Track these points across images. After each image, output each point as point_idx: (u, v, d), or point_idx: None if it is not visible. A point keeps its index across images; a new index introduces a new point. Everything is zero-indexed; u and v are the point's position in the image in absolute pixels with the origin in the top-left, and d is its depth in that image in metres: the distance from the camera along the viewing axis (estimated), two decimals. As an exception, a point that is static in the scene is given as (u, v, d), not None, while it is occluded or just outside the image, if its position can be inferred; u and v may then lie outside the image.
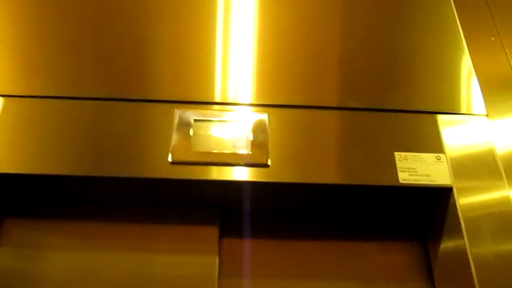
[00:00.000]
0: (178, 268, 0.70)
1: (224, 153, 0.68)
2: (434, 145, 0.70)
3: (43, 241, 0.71)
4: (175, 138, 0.69)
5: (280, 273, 0.73)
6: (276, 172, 0.67)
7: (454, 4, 0.84)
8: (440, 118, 0.72)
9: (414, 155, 0.69)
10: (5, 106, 0.70)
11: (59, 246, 0.71)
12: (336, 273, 0.73)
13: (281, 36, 0.81)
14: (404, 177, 0.68)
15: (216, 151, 0.69)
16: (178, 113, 0.70)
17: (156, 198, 0.72)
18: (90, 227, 0.72)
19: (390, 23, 0.83)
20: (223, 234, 0.72)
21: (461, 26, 0.82)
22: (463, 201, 0.66)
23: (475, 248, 0.63)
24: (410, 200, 0.72)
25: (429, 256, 0.73)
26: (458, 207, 0.66)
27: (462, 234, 0.64)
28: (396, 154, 0.69)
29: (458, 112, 0.74)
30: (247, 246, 0.74)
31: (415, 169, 0.68)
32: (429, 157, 0.69)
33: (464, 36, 0.81)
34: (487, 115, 0.74)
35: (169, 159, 0.67)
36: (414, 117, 0.72)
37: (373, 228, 0.76)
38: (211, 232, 0.72)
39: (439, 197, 0.69)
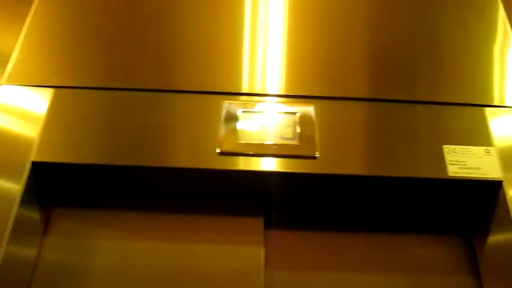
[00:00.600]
0: (224, 259, 0.71)
1: (271, 145, 0.69)
2: (483, 138, 0.70)
3: (91, 232, 0.72)
4: (222, 129, 0.69)
5: (324, 265, 0.73)
6: (324, 163, 0.67)
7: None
8: (488, 111, 0.72)
9: (463, 148, 0.69)
10: (55, 97, 0.71)
11: (106, 237, 0.71)
12: (380, 266, 0.73)
13: (323, 27, 0.81)
14: (454, 170, 0.67)
15: (263, 143, 0.69)
16: (225, 104, 0.71)
17: (202, 189, 0.72)
18: (137, 218, 0.73)
19: (437, 15, 0.81)
20: (267, 225, 0.73)
21: (508, 18, 0.81)
22: (513, 194, 0.66)
23: (526, 241, 0.63)
24: (457, 193, 0.71)
25: (474, 250, 0.73)
26: (508, 200, 0.65)
27: (514, 227, 0.63)
28: (445, 147, 0.69)
29: (506, 105, 0.73)
30: (291, 237, 0.74)
31: (465, 162, 0.68)
32: (478, 150, 0.69)
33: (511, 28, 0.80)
34: (535, 108, 0.73)
35: (217, 150, 0.68)
36: (462, 110, 0.72)
37: (417, 222, 0.75)
38: (256, 224, 0.72)
39: (488, 191, 0.68)
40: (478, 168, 0.67)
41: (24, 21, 0.78)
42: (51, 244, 0.70)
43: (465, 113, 0.72)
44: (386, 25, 0.80)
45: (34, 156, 0.67)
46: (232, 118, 0.70)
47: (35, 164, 0.66)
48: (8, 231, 0.62)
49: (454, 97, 0.73)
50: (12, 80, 0.73)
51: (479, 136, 0.70)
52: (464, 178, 0.66)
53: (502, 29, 0.80)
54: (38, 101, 0.71)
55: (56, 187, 0.72)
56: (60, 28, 0.78)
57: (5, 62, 0.73)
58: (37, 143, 0.67)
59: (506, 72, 0.76)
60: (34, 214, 0.69)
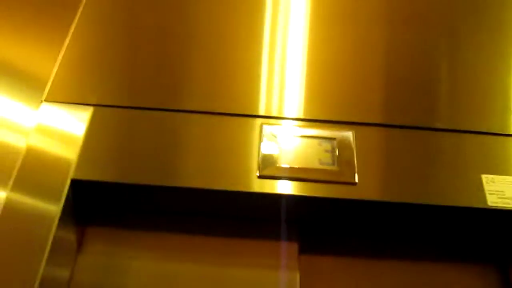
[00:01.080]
0: (259, 284, 0.70)
1: (311, 169, 0.69)
2: (520, 168, 0.70)
3: (124, 253, 0.71)
4: (262, 152, 0.69)
5: (359, 292, 0.72)
6: (364, 190, 0.67)
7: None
8: (524, 141, 0.73)
9: (502, 178, 0.69)
10: (94, 115, 0.71)
11: (140, 258, 0.71)
12: (413, 295, 0.73)
13: (355, 53, 0.82)
14: (493, 200, 0.67)
15: (303, 167, 0.69)
16: (265, 128, 0.71)
17: (240, 212, 0.72)
18: (172, 240, 0.72)
19: (463, 43, 0.83)
20: (303, 250, 0.72)
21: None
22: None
23: None
24: (494, 222, 0.71)
25: (509, 281, 0.73)
26: (545, 230, 0.66)
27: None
28: (483, 176, 0.69)
29: (541, 136, 0.74)
30: (326, 263, 0.74)
31: (503, 192, 0.68)
32: (516, 180, 0.69)
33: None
34: None
35: (257, 174, 0.68)
36: (499, 140, 0.72)
37: (453, 250, 0.75)
38: (292, 248, 0.72)
39: (526, 221, 0.68)
40: (516, 199, 0.68)
41: (64, 39, 0.78)
42: (84, 264, 0.70)
43: (501, 142, 0.73)
44: (425, 51, 0.81)
45: (73, 174, 0.66)
46: (271, 141, 0.70)
47: (74, 182, 0.66)
48: (46, 252, 0.61)
49: (490, 127, 0.73)
50: (52, 98, 0.73)
51: (516, 166, 0.71)
52: (504, 208, 0.67)
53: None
54: (78, 119, 0.71)
55: (93, 206, 0.71)
56: (99, 46, 0.79)
57: (46, 80, 0.73)
58: (76, 162, 0.67)
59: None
60: (71, 234, 0.68)
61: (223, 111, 0.72)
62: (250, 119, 0.72)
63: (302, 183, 0.68)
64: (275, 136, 0.71)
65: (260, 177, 0.68)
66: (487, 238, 0.75)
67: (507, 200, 0.67)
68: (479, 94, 0.77)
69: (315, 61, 0.80)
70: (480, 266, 0.75)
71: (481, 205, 0.67)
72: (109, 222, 0.73)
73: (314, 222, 0.74)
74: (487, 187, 0.68)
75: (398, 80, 0.78)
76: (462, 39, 0.84)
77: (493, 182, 0.69)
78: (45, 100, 0.73)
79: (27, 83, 0.76)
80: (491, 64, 0.81)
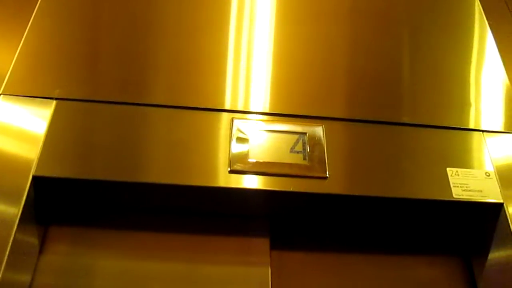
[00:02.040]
0: (229, 280, 0.69)
1: (282, 164, 0.68)
2: (483, 161, 0.73)
3: (88, 251, 0.68)
4: (233, 147, 0.68)
5: (330, 286, 0.73)
6: (335, 184, 0.68)
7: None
8: (487, 135, 0.75)
9: (466, 171, 0.71)
10: (56, 109, 0.68)
11: (105, 257, 0.68)
12: (382, 286, 0.74)
13: (324, 49, 0.82)
14: (458, 192, 0.69)
15: (274, 161, 0.68)
16: (236, 122, 0.70)
17: (211, 208, 0.71)
18: (138, 237, 0.70)
19: (431, 40, 0.85)
20: (274, 245, 0.72)
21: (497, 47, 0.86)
22: (513, 215, 0.69)
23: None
24: (458, 215, 0.73)
25: (471, 271, 0.75)
26: (509, 220, 0.68)
27: (514, 246, 0.66)
28: (449, 169, 0.71)
29: (503, 131, 0.76)
30: (297, 258, 0.73)
31: (468, 184, 0.70)
32: (480, 173, 0.71)
33: (500, 55, 0.85)
34: (530, 133, 0.77)
35: (228, 168, 0.67)
36: (463, 134, 0.75)
37: (418, 243, 0.77)
38: (263, 244, 0.71)
39: (489, 212, 0.70)
40: (480, 191, 0.70)
41: (23, 30, 0.74)
42: (47, 266, 0.66)
43: (465, 137, 0.75)
44: (388, 48, 0.82)
45: (34, 170, 0.63)
46: (242, 136, 0.70)
47: (35, 179, 0.63)
48: (6, 256, 0.58)
49: (455, 122, 0.75)
50: (10, 91, 0.69)
51: (479, 159, 0.73)
52: (468, 200, 0.69)
53: (494, 56, 0.84)
54: (39, 113, 0.68)
55: (55, 204, 0.68)
56: (60, 38, 0.75)
57: (4, 74, 0.69)
58: (37, 158, 0.64)
59: (500, 98, 0.80)
60: (32, 234, 0.64)
61: (192, 105, 0.70)
62: (220, 114, 0.71)
63: (273, 177, 0.67)
64: (245, 131, 0.70)
65: (231, 171, 0.67)
66: (453, 231, 0.77)
67: (471, 193, 0.70)
68: (444, 90, 0.79)
69: (284, 55, 0.79)
70: (446, 258, 0.77)
71: (446, 198, 0.69)
72: (72, 221, 0.70)
73: (285, 217, 0.74)
74: (452, 180, 0.70)
75: (365, 76, 0.78)
76: (425, 36, 0.85)
77: (458, 175, 0.71)
78: (2, 93, 0.69)
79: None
80: (453, 60, 0.83)
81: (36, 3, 0.79)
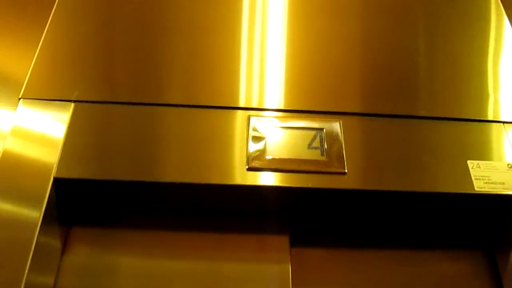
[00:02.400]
0: (250, 277, 0.69)
1: (300, 160, 0.68)
2: (504, 153, 0.71)
3: (111, 251, 0.69)
4: (250, 145, 0.68)
5: (351, 282, 0.72)
6: (354, 179, 0.67)
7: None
8: (507, 127, 0.74)
9: (487, 163, 0.70)
10: (75, 111, 0.69)
11: (128, 257, 0.69)
12: (405, 282, 0.73)
13: (338, 44, 0.81)
14: (480, 185, 0.68)
15: (291, 158, 0.68)
16: (253, 120, 0.70)
17: (230, 206, 0.71)
18: (160, 236, 0.70)
19: (450, 33, 0.84)
20: (293, 243, 0.72)
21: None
22: (537, 208, 0.68)
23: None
24: (481, 207, 0.72)
25: (496, 265, 0.74)
26: (533, 214, 0.67)
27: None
28: (469, 162, 0.70)
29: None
30: (317, 255, 0.73)
31: (489, 177, 0.69)
32: (501, 165, 0.70)
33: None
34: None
35: (246, 166, 0.67)
36: (483, 126, 0.73)
37: (441, 237, 0.76)
38: (283, 241, 0.71)
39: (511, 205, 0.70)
40: (502, 183, 0.69)
41: (40, 35, 0.75)
42: (70, 266, 0.67)
43: (486, 129, 0.74)
44: (404, 41, 0.82)
45: (55, 172, 0.64)
46: (259, 133, 0.69)
47: (56, 181, 0.64)
48: (30, 258, 0.59)
49: (474, 114, 0.74)
50: (30, 95, 0.70)
51: (500, 151, 0.72)
52: (490, 193, 0.68)
53: (510, 46, 0.83)
54: (58, 116, 0.69)
55: (77, 205, 0.69)
56: (76, 41, 0.76)
57: (23, 79, 0.71)
58: (58, 160, 0.65)
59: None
60: (54, 236, 0.65)
61: (207, 103, 0.71)
62: (236, 112, 0.71)
63: (291, 174, 0.67)
64: (262, 128, 0.70)
65: (249, 169, 0.67)
66: (475, 224, 0.76)
67: (493, 185, 0.68)
68: (462, 81, 0.78)
69: (298, 51, 0.79)
70: (470, 252, 0.76)
71: (468, 191, 0.68)
72: (94, 221, 0.71)
73: (304, 214, 0.73)
74: (473, 172, 0.69)
75: (380, 70, 0.78)
76: (441, 28, 0.85)
77: (479, 167, 0.70)
78: (22, 97, 0.70)
79: (3, 83, 0.74)
80: (470, 51, 0.82)
81: (52, 7, 0.80)
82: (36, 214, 0.61)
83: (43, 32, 0.76)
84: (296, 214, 0.73)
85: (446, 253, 0.76)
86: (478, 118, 0.74)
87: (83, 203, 0.69)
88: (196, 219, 0.72)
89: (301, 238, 0.73)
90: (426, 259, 0.75)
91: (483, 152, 0.71)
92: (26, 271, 0.58)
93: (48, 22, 0.78)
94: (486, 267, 0.75)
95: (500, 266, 0.73)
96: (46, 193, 0.63)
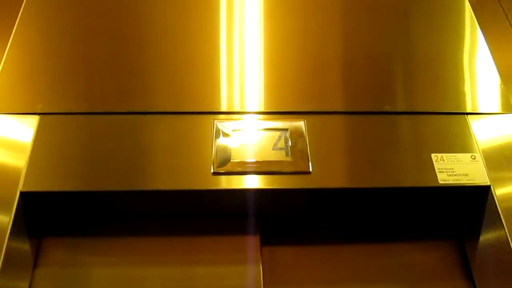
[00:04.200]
0: (222, 279, 0.70)
1: (265, 162, 0.69)
2: (468, 145, 0.72)
3: (83, 261, 0.70)
4: (215, 149, 0.69)
5: (322, 279, 0.73)
6: (319, 178, 0.68)
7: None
8: (470, 118, 0.75)
9: (450, 156, 0.71)
10: (40, 124, 0.70)
11: (99, 265, 0.70)
12: (376, 276, 0.74)
13: (303, 42, 0.81)
14: (443, 178, 0.69)
15: (257, 160, 0.69)
16: (217, 123, 0.71)
17: (197, 210, 0.72)
18: (132, 243, 0.71)
19: (412, 26, 0.84)
20: (264, 242, 0.73)
21: (479, 27, 0.85)
22: (500, 195, 0.68)
23: (516, 237, 0.65)
24: (447, 199, 0.73)
25: (465, 254, 0.75)
26: (497, 202, 0.68)
27: (503, 225, 0.66)
28: (433, 155, 0.71)
29: (486, 112, 0.76)
30: (288, 253, 0.74)
31: (453, 169, 0.70)
32: (465, 157, 0.71)
33: (484, 36, 0.84)
34: (514, 112, 0.76)
35: (211, 170, 0.68)
36: (446, 119, 0.74)
37: (410, 229, 0.77)
38: (253, 241, 0.72)
39: (477, 195, 0.70)
40: (466, 175, 0.70)
41: (4, 46, 0.76)
42: (43, 276, 0.68)
43: (449, 121, 0.74)
44: (365, 38, 0.82)
45: (22, 186, 0.65)
46: (223, 137, 0.70)
47: (23, 194, 0.64)
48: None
49: (437, 107, 0.75)
50: (-5, 109, 0.70)
51: (464, 143, 0.72)
52: (454, 185, 0.68)
53: (476, 37, 0.83)
54: (24, 129, 0.69)
55: (46, 216, 0.70)
56: (40, 54, 0.76)
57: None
58: (24, 173, 0.66)
59: (484, 80, 0.79)
60: (24, 246, 0.66)
61: (172, 109, 0.71)
62: (201, 116, 0.71)
63: (257, 176, 0.68)
64: (227, 131, 0.71)
65: (214, 173, 0.67)
66: (444, 215, 0.77)
67: (456, 177, 0.69)
68: (423, 75, 0.78)
69: (262, 53, 0.79)
70: (441, 243, 0.77)
71: (431, 184, 0.68)
72: (66, 231, 0.71)
73: (273, 214, 0.74)
74: (436, 165, 0.70)
75: (343, 67, 0.78)
76: (405, 21, 0.85)
77: (443, 160, 0.71)
78: (-12, 112, 0.70)
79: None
80: (432, 44, 0.82)
81: (16, 20, 0.80)
82: (4, 222, 0.62)
83: (7, 45, 0.77)
84: (267, 214, 0.74)
85: (417, 245, 0.77)
86: (441, 111, 0.74)
87: (52, 214, 0.70)
88: (166, 224, 0.73)
89: (272, 238, 0.74)
90: (398, 251, 0.76)
91: (447, 145, 0.72)
92: None
93: (12, 34, 0.78)
94: (456, 256, 0.76)
95: (469, 255, 0.74)
96: (13, 206, 0.63)
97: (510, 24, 0.87)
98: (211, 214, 0.72)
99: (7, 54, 0.76)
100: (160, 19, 0.82)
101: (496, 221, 0.68)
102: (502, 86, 0.78)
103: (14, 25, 0.78)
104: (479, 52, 0.82)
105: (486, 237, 0.70)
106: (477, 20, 0.86)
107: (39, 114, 0.70)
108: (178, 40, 0.80)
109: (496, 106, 0.77)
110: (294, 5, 0.86)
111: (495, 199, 0.68)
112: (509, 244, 0.65)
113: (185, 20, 0.82)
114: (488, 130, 0.74)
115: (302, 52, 0.80)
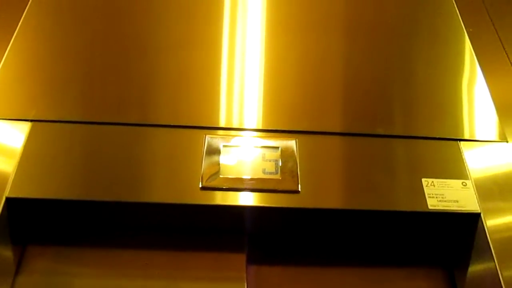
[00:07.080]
0: (206, 296, 0.69)
1: (254, 179, 0.69)
2: (459, 171, 0.72)
3: (66, 270, 0.69)
4: (205, 164, 0.69)
5: (308, 301, 0.72)
6: (307, 198, 0.67)
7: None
8: (463, 144, 0.74)
9: (441, 181, 0.70)
10: (32, 130, 0.70)
11: (83, 276, 0.69)
12: (363, 301, 0.73)
13: (302, 62, 0.82)
14: (433, 203, 0.68)
15: (246, 177, 0.69)
16: (208, 139, 0.71)
17: (184, 225, 0.71)
18: (116, 255, 0.70)
19: (409, 52, 0.85)
20: (250, 261, 0.72)
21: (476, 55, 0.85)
22: (491, 225, 0.67)
23: (506, 270, 0.64)
24: (436, 226, 0.72)
25: (454, 282, 0.74)
26: (487, 231, 0.67)
27: (493, 257, 0.65)
28: (424, 180, 0.70)
29: (478, 139, 0.76)
30: (274, 273, 0.73)
31: (443, 195, 0.69)
32: (456, 183, 0.70)
33: (479, 64, 0.84)
34: (507, 141, 0.76)
35: (200, 185, 0.67)
36: (438, 144, 0.74)
37: (399, 255, 0.76)
38: (239, 259, 0.71)
39: (466, 223, 0.69)
40: (456, 201, 0.69)
41: (2, 54, 0.77)
42: (23, 284, 0.67)
43: (441, 147, 0.74)
44: (365, 61, 0.82)
45: (8, 192, 0.64)
46: (214, 152, 0.70)
47: (9, 200, 0.64)
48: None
49: (430, 132, 0.75)
50: (-13, 114, 0.71)
51: (456, 169, 0.72)
52: (444, 211, 0.68)
53: (472, 65, 0.84)
54: (15, 135, 0.69)
55: (31, 224, 0.69)
56: (37, 61, 0.77)
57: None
58: (12, 179, 0.65)
59: (478, 107, 0.79)
60: (6, 253, 0.65)
61: (164, 122, 0.71)
62: (191, 130, 0.71)
63: (245, 193, 0.67)
64: (218, 147, 0.71)
65: (202, 188, 0.67)
66: (433, 242, 0.76)
67: (446, 203, 0.69)
68: (418, 99, 0.78)
69: (260, 71, 0.80)
70: (430, 270, 0.76)
71: (421, 209, 0.68)
72: (51, 239, 0.71)
73: (260, 232, 0.73)
74: (427, 190, 0.69)
75: (338, 88, 0.79)
76: (402, 47, 0.86)
77: (433, 185, 0.70)
78: (-19, 117, 0.71)
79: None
80: (428, 69, 0.82)
81: (16, 27, 0.81)
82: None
83: (5, 51, 0.78)
84: (253, 232, 0.73)
85: (406, 271, 0.76)
86: (434, 136, 0.74)
87: (38, 222, 0.70)
88: (153, 237, 0.72)
89: (259, 256, 0.73)
90: (386, 277, 0.75)
91: (438, 170, 0.71)
92: None
93: (12, 40, 0.79)
94: (445, 285, 0.75)
95: (458, 284, 0.73)
96: (-1, 211, 0.63)
97: (506, 53, 0.88)
98: (198, 229, 0.72)
99: (5, 60, 0.76)
100: (162, 30, 0.83)
101: (486, 252, 0.67)
102: (495, 115, 0.78)
103: (14, 32, 0.80)
104: (472, 77, 0.82)
105: (476, 268, 0.69)
106: (474, 49, 0.87)
107: (31, 120, 0.71)
108: (178, 53, 0.81)
109: (490, 134, 0.76)
110: (295, 24, 0.87)
111: (485, 228, 0.67)
112: (499, 277, 0.64)
113: (186, 34, 0.83)
114: (480, 158, 0.73)
115: (301, 72, 0.81)
